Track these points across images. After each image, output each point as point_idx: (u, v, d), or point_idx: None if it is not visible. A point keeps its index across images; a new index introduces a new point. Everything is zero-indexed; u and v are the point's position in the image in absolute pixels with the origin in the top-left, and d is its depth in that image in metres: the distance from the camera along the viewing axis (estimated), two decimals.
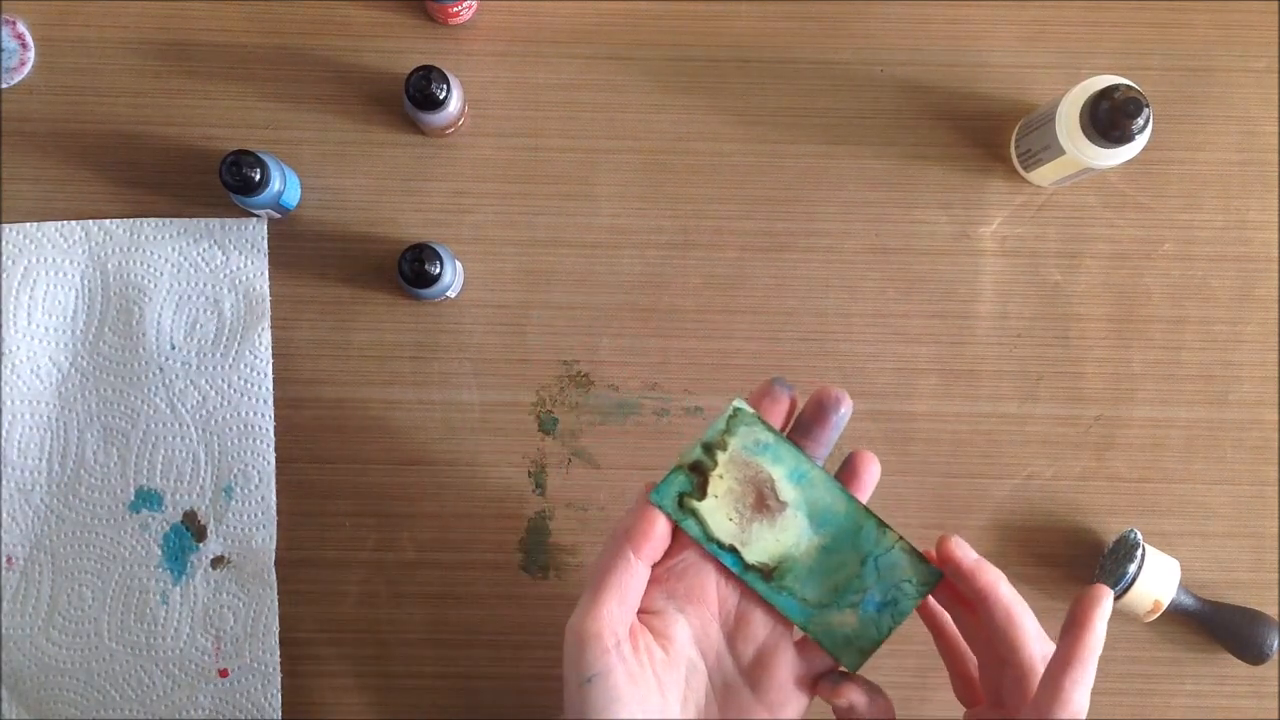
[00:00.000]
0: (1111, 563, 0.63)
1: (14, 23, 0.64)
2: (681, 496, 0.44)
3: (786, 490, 0.45)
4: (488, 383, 0.65)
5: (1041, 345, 0.65)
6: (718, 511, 0.44)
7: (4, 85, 0.64)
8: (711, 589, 0.45)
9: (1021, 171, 0.65)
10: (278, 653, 0.63)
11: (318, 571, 0.64)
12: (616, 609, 0.42)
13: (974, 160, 0.66)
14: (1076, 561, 0.65)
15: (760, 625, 0.45)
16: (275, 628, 0.63)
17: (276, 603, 0.63)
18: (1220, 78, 0.66)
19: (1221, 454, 0.66)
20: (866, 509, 0.45)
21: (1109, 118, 0.55)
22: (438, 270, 0.59)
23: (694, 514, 0.44)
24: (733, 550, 0.44)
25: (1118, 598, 0.61)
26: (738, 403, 0.45)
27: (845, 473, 0.46)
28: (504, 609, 0.64)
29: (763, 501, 0.45)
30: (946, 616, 0.48)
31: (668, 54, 0.65)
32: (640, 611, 0.44)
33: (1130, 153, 0.58)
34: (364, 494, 0.64)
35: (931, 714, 0.65)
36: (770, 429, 0.45)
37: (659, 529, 0.44)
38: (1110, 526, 0.65)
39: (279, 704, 0.62)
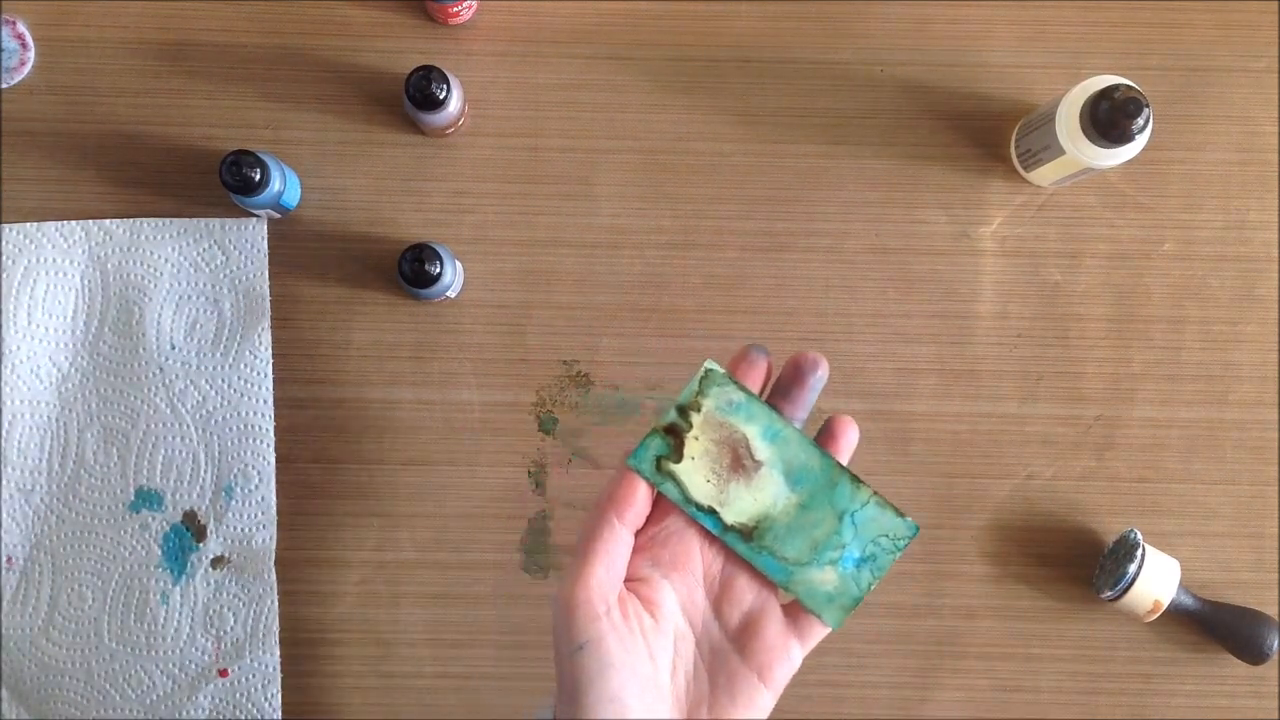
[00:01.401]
0: (1111, 563, 0.63)
1: (14, 23, 0.64)
2: (659, 460, 0.45)
3: (761, 449, 0.45)
4: (488, 383, 0.65)
5: (1041, 345, 0.65)
6: (695, 473, 0.45)
7: (4, 85, 0.64)
8: (695, 555, 0.45)
9: (1021, 171, 0.65)
10: (278, 653, 0.63)
11: (318, 571, 0.64)
12: (604, 576, 0.42)
13: (974, 160, 0.66)
14: (1076, 561, 0.65)
15: (745, 589, 0.45)
16: (275, 628, 0.63)
17: (276, 603, 0.63)
18: (1220, 78, 0.66)
19: (1221, 454, 0.66)
20: (840, 465, 0.45)
21: (1109, 118, 0.55)
22: (438, 270, 0.59)
23: (671, 477, 0.45)
24: (711, 511, 0.45)
25: (1118, 598, 0.61)
26: (709, 364, 0.45)
27: (824, 436, 0.47)
28: (504, 609, 0.64)
29: (738, 461, 0.45)
30: None
31: (668, 54, 0.65)
32: (626, 580, 0.44)
33: (1130, 153, 0.57)
34: (364, 494, 0.64)
35: (931, 714, 0.65)
36: (742, 388, 0.45)
37: (640, 493, 0.44)
38: (1110, 526, 0.65)
39: (279, 704, 0.62)
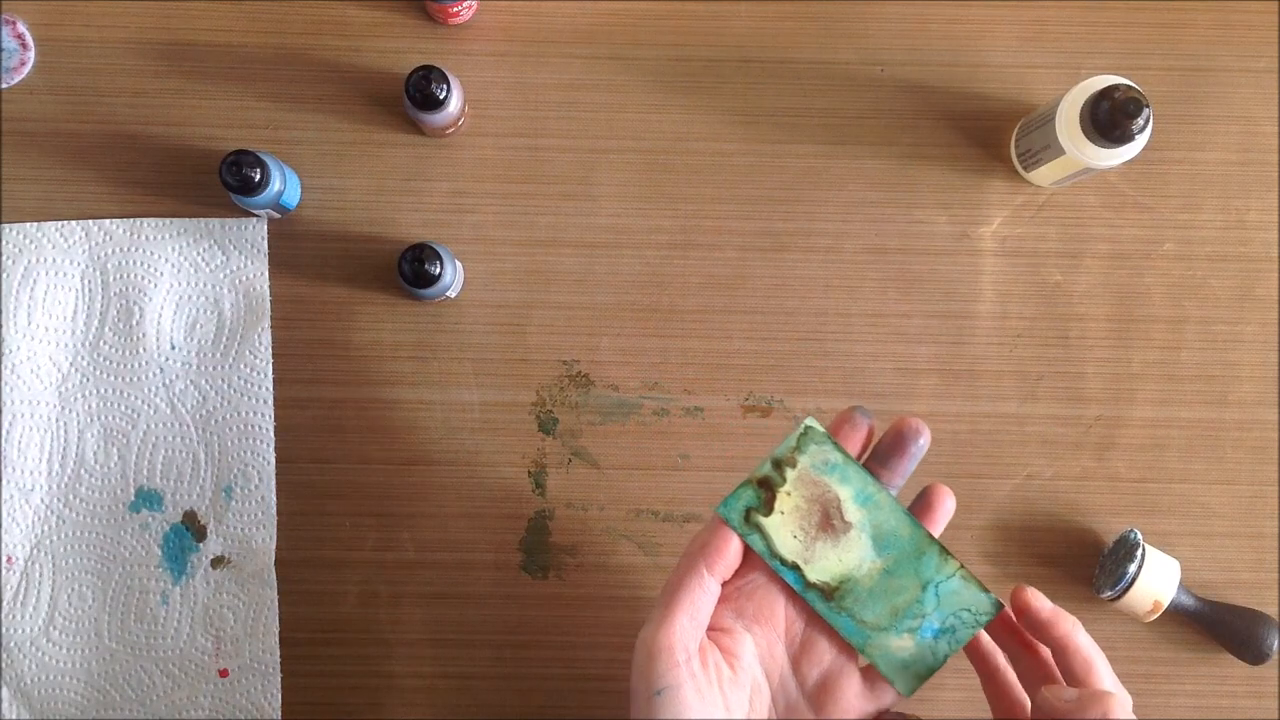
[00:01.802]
0: (1111, 563, 0.63)
1: (14, 23, 0.64)
2: (748, 511, 0.45)
3: (852, 511, 0.45)
4: (488, 383, 0.65)
5: (1041, 345, 0.65)
6: (783, 528, 0.45)
7: (4, 85, 0.64)
8: (779, 610, 0.46)
9: (1021, 171, 0.65)
10: (278, 653, 0.63)
11: (318, 571, 0.64)
12: (688, 624, 0.43)
13: (974, 160, 0.66)
14: (1076, 561, 0.65)
15: (825, 650, 0.46)
16: (275, 628, 0.63)
17: (276, 603, 0.63)
18: (1220, 78, 0.66)
19: (1221, 454, 0.66)
20: (930, 535, 0.46)
21: (1109, 118, 0.55)
22: (438, 270, 0.59)
23: (759, 529, 0.45)
24: (795, 568, 0.45)
25: (1118, 598, 0.61)
26: (809, 421, 0.45)
27: (919, 504, 0.47)
28: (504, 609, 0.64)
29: (828, 521, 0.45)
30: (1001, 659, 0.47)
31: (668, 54, 0.65)
32: (709, 629, 0.45)
33: (1130, 153, 0.58)
34: (364, 494, 0.64)
35: (931, 714, 0.65)
36: (840, 449, 0.45)
37: (732, 546, 0.44)
38: (1110, 526, 0.65)
39: (279, 704, 0.62)
